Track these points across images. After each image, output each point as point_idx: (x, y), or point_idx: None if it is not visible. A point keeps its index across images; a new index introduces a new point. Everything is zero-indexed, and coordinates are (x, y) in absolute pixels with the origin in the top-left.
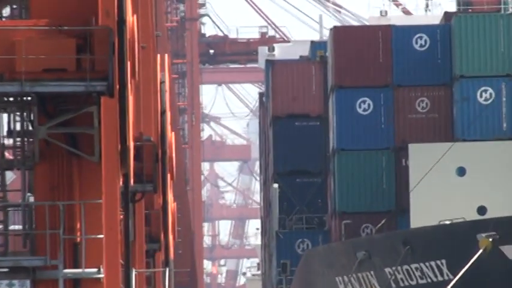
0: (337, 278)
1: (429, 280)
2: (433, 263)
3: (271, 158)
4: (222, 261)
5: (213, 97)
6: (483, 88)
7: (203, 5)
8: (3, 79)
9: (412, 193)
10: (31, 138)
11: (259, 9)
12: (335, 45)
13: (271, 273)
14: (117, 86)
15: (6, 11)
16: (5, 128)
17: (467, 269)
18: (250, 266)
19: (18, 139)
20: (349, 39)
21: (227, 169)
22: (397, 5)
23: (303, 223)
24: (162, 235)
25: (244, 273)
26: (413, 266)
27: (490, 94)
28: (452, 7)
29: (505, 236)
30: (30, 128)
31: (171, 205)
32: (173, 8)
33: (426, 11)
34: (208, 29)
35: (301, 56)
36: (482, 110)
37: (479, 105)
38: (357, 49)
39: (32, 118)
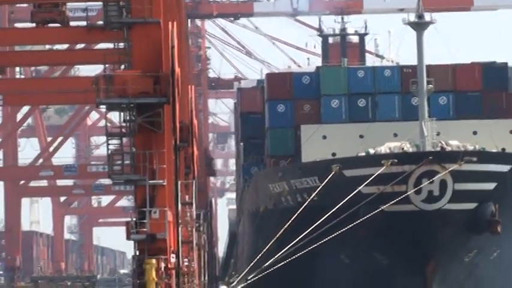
0: (269, 184)
1: (310, 185)
2: (312, 178)
3: (239, 131)
4: (218, 177)
5: (213, 104)
6: (334, 100)
7: (208, 63)
8: (120, 97)
9: (302, 146)
10: (133, 123)
11: (234, 65)
12: (267, 81)
13: (240, 182)
14: (171, 99)
15: (122, 67)
16: (122, 118)
17: (327, 180)
18: (231, 179)
19: (129, 123)
20: (274, 78)
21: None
22: (295, 62)
23: (255, 160)
24: (192, 165)
25: (228, 182)
26: (304, 179)
27: (338, 103)
28: (319, 63)
29: (344, 166)
30: (133, 118)
31: (195, 152)
32: (195, 64)
33: (308, 64)
34: (211, 74)
35: (252, 86)
36: (334, 110)
37: (332, 108)
38: (277, 82)
39: (134, 113)
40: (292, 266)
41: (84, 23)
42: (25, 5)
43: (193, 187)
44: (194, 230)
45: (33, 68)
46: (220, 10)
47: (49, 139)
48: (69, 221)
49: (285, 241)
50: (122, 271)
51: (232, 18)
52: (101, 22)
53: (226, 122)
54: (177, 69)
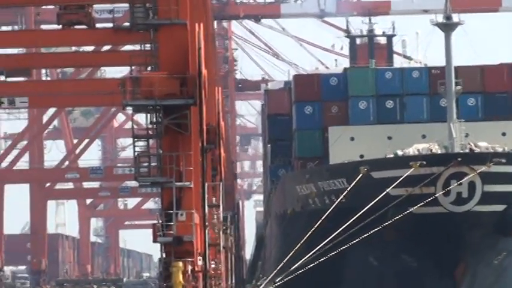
0: (297, 186)
1: (338, 187)
2: (340, 180)
3: (266, 133)
4: (245, 179)
5: (240, 106)
6: (361, 101)
7: (235, 65)
8: (147, 98)
9: (330, 148)
10: (160, 124)
11: (261, 67)
12: (295, 82)
13: (267, 185)
14: (198, 101)
15: (148, 69)
16: (148, 120)
17: (355, 182)
18: (258, 181)
19: (155, 125)
20: (301, 79)
21: (247, 138)
22: (322, 64)
23: (282, 162)
24: (218, 167)
25: (255, 184)
26: (331, 181)
27: (365, 104)
28: (347, 64)
29: (372, 167)
30: (160, 120)
31: (222, 154)
32: (222, 66)
33: (336, 66)
34: (238, 75)
35: (280, 88)
36: (362, 111)
37: (360, 109)
38: (304, 84)
39: (160, 115)
40: (320, 269)
41: (110, 25)
42: (51, 6)
43: (220, 189)
44: (221, 232)
45: (59, 70)
46: (247, 11)
47: (75, 141)
48: (95, 223)
49: (312, 243)
50: (145, 274)
51: (257, 19)
52: (127, 24)
53: (254, 124)
54: (204, 71)
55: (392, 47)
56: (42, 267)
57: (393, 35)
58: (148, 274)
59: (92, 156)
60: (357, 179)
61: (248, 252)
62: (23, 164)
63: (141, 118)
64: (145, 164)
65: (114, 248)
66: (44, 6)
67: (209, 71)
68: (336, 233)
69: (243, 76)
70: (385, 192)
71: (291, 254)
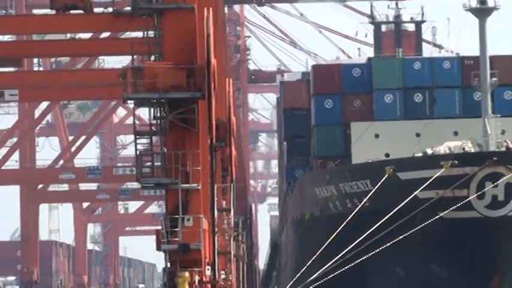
0: (316, 188)
1: (361, 189)
2: (363, 181)
3: (282, 129)
4: (259, 180)
5: (253, 99)
6: (387, 94)
7: (248, 54)
8: (150, 91)
9: (352, 146)
10: (164, 120)
11: (277, 56)
12: (314, 73)
13: (283, 186)
14: (206, 94)
15: (152, 58)
16: (152, 115)
17: (380, 184)
18: (273, 183)
19: (159, 121)
20: (321, 70)
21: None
22: (344, 53)
23: (299, 161)
24: (229, 167)
25: (270, 186)
26: (353, 182)
27: (391, 98)
28: (371, 54)
29: (399, 168)
30: (164, 115)
31: (233, 152)
32: (234, 55)
33: (359, 55)
34: (251, 66)
35: (297, 79)
36: (388, 106)
37: (385, 103)
38: (324, 75)
39: (165, 110)
40: (341, 279)
41: (110, 9)
42: None
43: (231, 191)
44: (232, 239)
45: (53, 60)
46: None
47: (70, 138)
48: (93, 229)
49: (333, 251)
50: (140, 286)
51: (261, 3)
52: (128, 8)
53: (268, 119)
54: (213, 61)
55: (421, 35)
56: (34, 277)
57: (422, 22)
58: (143, 285)
59: (89, 154)
60: (382, 181)
61: (262, 261)
62: (13, 163)
63: (144, 113)
64: (148, 164)
65: (114, 257)
66: None
67: (219, 60)
68: (359, 240)
69: (256, 66)
70: (413, 195)
71: (308, 263)
